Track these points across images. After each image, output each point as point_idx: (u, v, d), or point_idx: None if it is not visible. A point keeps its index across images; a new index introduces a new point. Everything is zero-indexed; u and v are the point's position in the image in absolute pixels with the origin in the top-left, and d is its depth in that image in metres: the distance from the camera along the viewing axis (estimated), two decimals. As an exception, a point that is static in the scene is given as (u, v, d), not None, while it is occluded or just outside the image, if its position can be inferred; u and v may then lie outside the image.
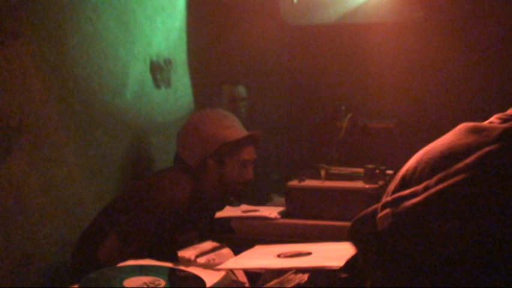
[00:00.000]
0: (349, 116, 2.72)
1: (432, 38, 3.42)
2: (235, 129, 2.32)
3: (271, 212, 2.35)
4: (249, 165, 2.30)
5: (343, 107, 2.83)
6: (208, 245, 1.93)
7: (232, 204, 2.48)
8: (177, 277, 1.63)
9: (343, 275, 1.70)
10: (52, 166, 2.56)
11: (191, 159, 2.29)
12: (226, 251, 1.92)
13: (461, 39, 3.43)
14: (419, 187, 1.03)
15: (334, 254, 1.70)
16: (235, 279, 1.76)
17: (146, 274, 1.61)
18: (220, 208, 2.42)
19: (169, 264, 1.73)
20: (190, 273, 1.66)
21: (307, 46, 3.78)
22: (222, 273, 1.69)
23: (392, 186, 1.15)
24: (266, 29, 3.80)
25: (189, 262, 1.77)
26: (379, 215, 1.06)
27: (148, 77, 3.27)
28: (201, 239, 2.31)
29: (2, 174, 2.29)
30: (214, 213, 2.41)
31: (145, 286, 1.53)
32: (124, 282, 1.54)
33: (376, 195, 2.22)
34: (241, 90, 3.46)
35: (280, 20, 3.78)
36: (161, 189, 2.21)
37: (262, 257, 1.78)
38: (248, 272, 1.81)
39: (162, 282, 1.55)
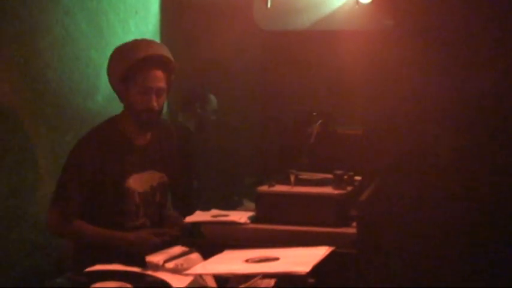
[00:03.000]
0: (319, 121, 2.74)
1: (402, 46, 3.46)
2: (142, 52, 2.18)
3: (241, 217, 2.36)
4: (151, 92, 2.18)
5: (314, 113, 2.85)
6: (177, 249, 1.93)
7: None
8: (144, 282, 1.63)
9: (310, 280, 1.72)
10: (21, 169, 2.54)
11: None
12: (195, 255, 1.92)
13: (430, 47, 3.48)
14: None
15: (302, 259, 1.71)
16: (204, 284, 1.77)
17: (113, 279, 1.61)
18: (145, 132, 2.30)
19: (137, 269, 1.73)
20: (157, 278, 1.66)
21: (280, 51, 3.81)
22: (191, 278, 1.70)
23: None
24: (239, 33, 3.81)
25: (157, 267, 1.77)
26: None
27: (120, 80, 3.26)
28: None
29: (-30, 177, 2.27)
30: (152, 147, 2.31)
31: (112, 291, 1.53)
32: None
33: (344, 200, 2.25)
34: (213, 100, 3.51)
35: (253, 25, 3.79)
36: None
37: (230, 262, 1.79)
38: (217, 277, 1.82)
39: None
